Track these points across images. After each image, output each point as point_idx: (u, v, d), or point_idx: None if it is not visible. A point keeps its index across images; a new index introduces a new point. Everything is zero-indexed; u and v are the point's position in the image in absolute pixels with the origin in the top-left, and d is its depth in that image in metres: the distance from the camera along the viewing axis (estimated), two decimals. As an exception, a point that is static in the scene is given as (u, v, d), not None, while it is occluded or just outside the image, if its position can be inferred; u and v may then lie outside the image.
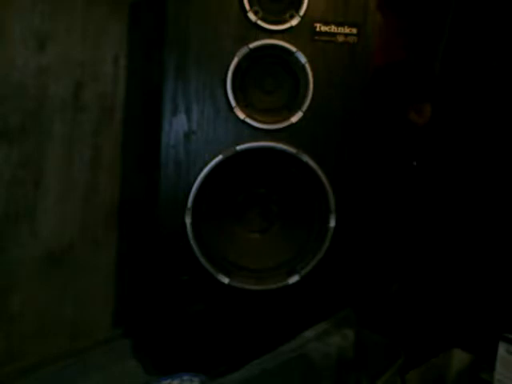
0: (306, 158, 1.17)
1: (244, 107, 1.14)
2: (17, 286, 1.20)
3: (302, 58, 1.14)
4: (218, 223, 1.20)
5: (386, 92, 1.44)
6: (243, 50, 1.11)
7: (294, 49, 1.13)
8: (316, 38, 1.16)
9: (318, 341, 1.06)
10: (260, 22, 1.11)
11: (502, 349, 1.03)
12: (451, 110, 1.45)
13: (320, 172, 1.18)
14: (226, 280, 1.18)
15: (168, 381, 1.14)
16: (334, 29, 1.16)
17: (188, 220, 1.14)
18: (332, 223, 1.21)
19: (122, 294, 1.42)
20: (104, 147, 1.31)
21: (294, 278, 1.21)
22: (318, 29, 1.15)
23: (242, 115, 1.13)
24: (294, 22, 1.13)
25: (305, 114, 1.16)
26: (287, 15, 1.13)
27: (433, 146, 1.48)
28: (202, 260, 1.16)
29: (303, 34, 1.14)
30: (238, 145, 1.14)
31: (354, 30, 1.17)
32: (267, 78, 1.16)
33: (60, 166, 1.23)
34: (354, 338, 1.12)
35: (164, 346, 1.21)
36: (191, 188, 1.14)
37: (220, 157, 1.14)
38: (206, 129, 1.14)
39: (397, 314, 1.42)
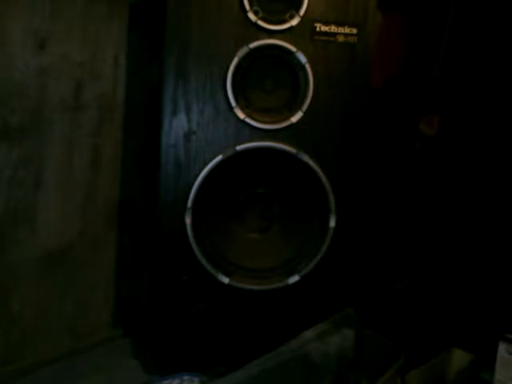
0: (306, 158, 1.17)
1: (244, 107, 1.14)
2: (17, 285, 1.20)
3: (302, 58, 1.14)
4: (218, 223, 1.20)
5: (393, 109, 1.45)
6: (243, 50, 1.11)
7: (294, 49, 1.13)
8: (316, 37, 1.15)
9: (317, 341, 1.06)
10: (260, 22, 1.11)
11: (502, 349, 1.03)
12: (458, 115, 1.44)
13: (320, 172, 1.18)
14: (226, 280, 1.18)
15: (168, 381, 1.14)
16: (334, 29, 1.16)
17: (188, 220, 1.14)
18: (332, 223, 1.21)
19: (121, 294, 1.42)
20: (104, 147, 1.31)
21: (294, 278, 1.21)
22: (318, 29, 1.15)
23: (241, 115, 1.13)
24: (294, 21, 1.12)
25: (305, 113, 1.16)
26: (287, 15, 1.13)
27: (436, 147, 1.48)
28: (202, 260, 1.16)
29: (303, 34, 1.14)
30: (237, 145, 1.14)
31: (354, 30, 1.17)
32: (267, 77, 1.16)
33: (60, 166, 1.23)
34: (354, 337, 1.12)
35: (164, 345, 1.21)
36: (191, 188, 1.14)
37: (220, 157, 1.14)
38: (205, 129, 1.14)
39: (397, 314, 1.42)
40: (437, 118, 1.46)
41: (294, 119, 1.16)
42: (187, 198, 1.14)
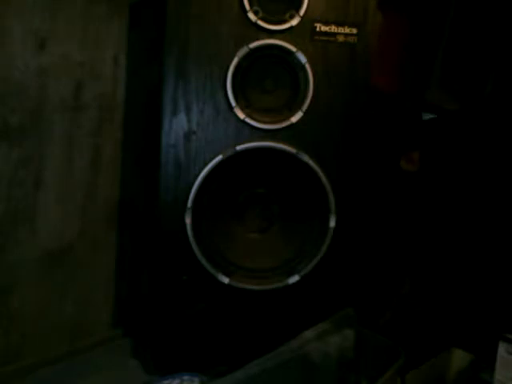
0: (306, 158, 1.17)
1: (244, 107, 1.14)
2: (17, 285, 1.20)
3: (302, 58, 1.14)
4: (218, 223, 1.20)
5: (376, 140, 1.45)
6: (243, 50, 1.11)
7: (294, 49, 1.13)
8: (316, 37, 1.16)
9: (318, 341, 1.06)
10: (260, 22, 1.11)
11: (502, 349, 1.04)
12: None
13: (320, 172, 1.18)
14: (226, 280, 1.18)
15: (168, 381, 1.14)
16: (334, 29, 1.16)
17: (188, 220, 1.14)
18: (332, 223, 1.21)
19: (121, 294, 1.42)
20: (104, 147, 1.31)
21: (294, 278, 1.21)
22: (318, 29, 1.15)
23: (241, 115, 1.13)
24: (294, 21, 1.12)
25: (305, 113, 1.16)
26: (287, 15, 1.13)
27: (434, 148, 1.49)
28: (202, 260, 1.16)
29: (303, 34, 1.14)
30: (237, 145, 1.14)
31: (354, 30, 1.17)
32: (267, 77, 1.16)
33: (60, 165, 1.23)
34: (354, 337, 1.12)
35: (164, 345, 1.21)
36: (191, 188, 1.14)
37: (220, 157, 1.14)
38: (205, 129, 1.14)
39: (397, 315, 1.42)
40: (417, 154, 1.46)
41: (294, 119, 1.16)
42: (187, 198, 1.14)
